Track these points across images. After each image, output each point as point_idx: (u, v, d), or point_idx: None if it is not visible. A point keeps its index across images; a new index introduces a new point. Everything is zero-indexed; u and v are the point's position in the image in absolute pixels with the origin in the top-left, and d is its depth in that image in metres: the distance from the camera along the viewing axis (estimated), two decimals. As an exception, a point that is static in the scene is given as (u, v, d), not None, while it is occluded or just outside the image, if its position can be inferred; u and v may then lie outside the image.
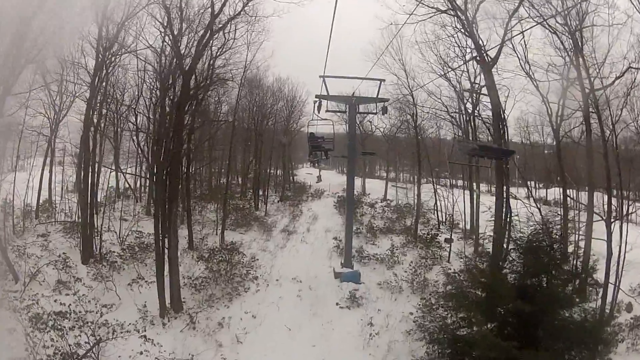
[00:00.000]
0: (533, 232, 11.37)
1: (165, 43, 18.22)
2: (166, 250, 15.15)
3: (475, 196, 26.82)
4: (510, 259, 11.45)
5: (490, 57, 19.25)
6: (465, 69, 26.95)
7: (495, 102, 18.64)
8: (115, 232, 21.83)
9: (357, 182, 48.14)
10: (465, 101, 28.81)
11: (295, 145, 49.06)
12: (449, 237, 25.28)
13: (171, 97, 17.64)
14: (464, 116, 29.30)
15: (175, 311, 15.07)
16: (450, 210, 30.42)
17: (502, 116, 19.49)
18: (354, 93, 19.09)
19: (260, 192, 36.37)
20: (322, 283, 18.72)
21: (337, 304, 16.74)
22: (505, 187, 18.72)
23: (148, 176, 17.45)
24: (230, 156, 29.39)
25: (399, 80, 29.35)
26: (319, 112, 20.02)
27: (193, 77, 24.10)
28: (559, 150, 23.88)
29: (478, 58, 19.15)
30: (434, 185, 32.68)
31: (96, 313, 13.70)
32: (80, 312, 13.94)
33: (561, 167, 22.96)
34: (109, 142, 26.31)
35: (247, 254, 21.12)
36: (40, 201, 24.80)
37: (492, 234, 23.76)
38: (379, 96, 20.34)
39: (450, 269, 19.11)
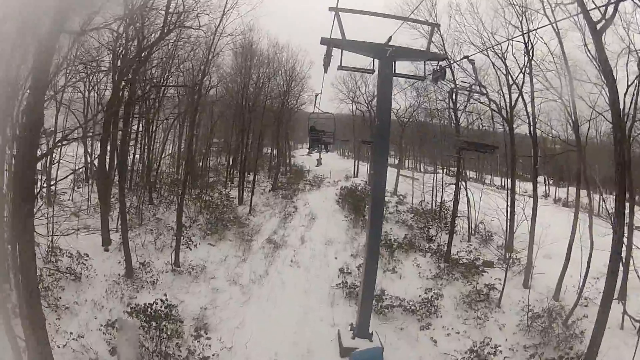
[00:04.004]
0: None
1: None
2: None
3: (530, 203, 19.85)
4: None
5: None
6: (522, 40, 20.32)
7: (611, 83, 11.41)
8: (40, 245, 14.58)
9: (363, 168, 41.56)
10: (511, 82, 21.80)
11: (293, 124, 42.01)
12: (490, 259, 19.46)
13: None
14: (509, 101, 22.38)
15: None
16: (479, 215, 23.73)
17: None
18: (389, 40, 11.18)
19: (251, 177, 29.17)
20: (320, 371, 11.47)
21: None
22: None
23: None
24: (192, 135, 21.81)
25: (435, 46, 22.16)
26: (327, 70, 11.97)
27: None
28: (622, 149, 18.00)
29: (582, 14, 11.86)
30: (465, 184, 25.56)
31: None
32: None
33: (625, 173, 17.40)
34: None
35: (196, 307, 13.72)
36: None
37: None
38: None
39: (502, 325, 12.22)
